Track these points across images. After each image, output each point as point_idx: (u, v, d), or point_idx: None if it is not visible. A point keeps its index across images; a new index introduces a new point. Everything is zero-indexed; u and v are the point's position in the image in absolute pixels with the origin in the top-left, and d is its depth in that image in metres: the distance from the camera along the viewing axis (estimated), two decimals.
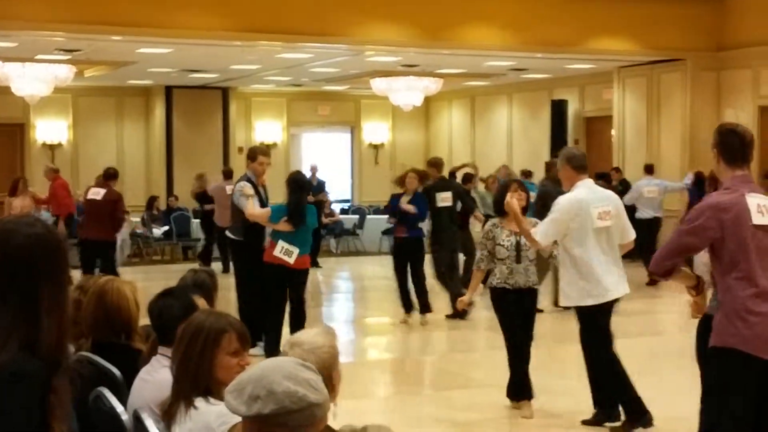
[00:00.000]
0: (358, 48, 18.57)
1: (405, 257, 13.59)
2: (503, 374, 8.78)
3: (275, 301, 10.95)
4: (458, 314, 13.14)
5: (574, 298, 7.97)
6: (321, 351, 3.57)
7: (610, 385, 7.94)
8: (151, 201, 23.54)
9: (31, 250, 2.68)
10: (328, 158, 26.51)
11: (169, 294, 4.71)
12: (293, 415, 2.75)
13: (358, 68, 21.93)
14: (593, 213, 7.73)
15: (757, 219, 4.99)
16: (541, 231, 7.95)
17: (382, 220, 19.82)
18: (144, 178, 25.85)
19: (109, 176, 15.57)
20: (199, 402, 3.78)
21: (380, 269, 18.26)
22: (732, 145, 5.18)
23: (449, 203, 13.73)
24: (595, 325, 7.90)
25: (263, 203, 11.36)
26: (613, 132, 21.99)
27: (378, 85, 23.05)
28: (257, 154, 11.84)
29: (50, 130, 25.46)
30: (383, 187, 25.41)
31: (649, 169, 18.46)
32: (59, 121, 25.49)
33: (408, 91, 22.85)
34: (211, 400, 3.80)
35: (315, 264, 18.69)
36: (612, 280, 7.82)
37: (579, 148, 9.43)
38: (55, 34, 16.57)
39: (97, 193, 15.13)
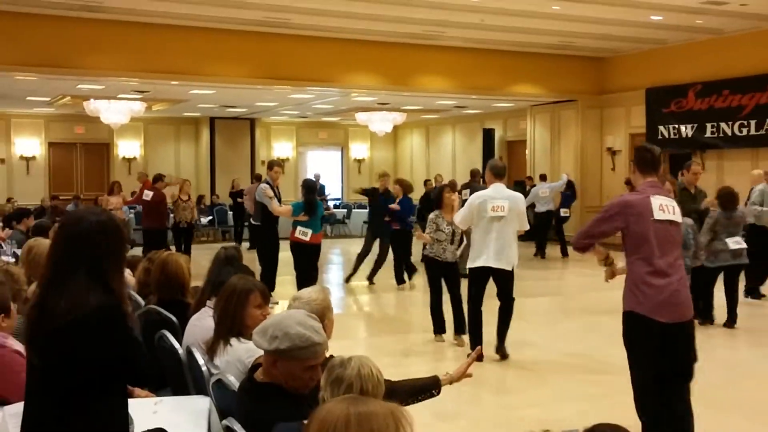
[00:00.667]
0: (346, 90, 18.49)
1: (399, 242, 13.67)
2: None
3: (298, 267, 10.91)
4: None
5: (467, 263, 8.26)
6: (315, 303, 3.57)
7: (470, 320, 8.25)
8: (200, 199, 23.42)
9: (95, 232, 2.67)
10: (325, 169, 26.40)
11: (217, 262, 4.73)
12: (301, 351, 2.75)
13: (346, 105, 21.85)
14: (488, 206, 7.87)
15: (659, 215, 4.87)
16: (458, 217, 8.35)
17: (364, 214, 19.88)
18: (194, 182, 25.62)
19: (155, 180, 15.51)
20: (233, 341, 3.76)
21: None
22: (645, 159, 5.07)
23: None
24: (473, 282, 8.14)
25: (278, 200, 11.33)
26: (527, 152, 22.01)
27: (360, 117, 23.02)
28: (273, 165, 12.01)
29: (128, 148, 25.31)
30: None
31: (543, 177, 18.52)
32: (134, 142, 25.32)
33: (382, 122, 22.83)
34: (242, 339, 3.78)
35: None
36: (486, 255, 7.94)
37: (501, 161, 9.35)
38: (131, 80, 16.45)
39: (148, 195, 15.08)
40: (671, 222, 4.95)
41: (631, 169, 5.41)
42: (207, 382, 3.56)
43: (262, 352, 3.64)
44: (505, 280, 8.02)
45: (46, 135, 24.46)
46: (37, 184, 23.96)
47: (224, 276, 4.42)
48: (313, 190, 11.17)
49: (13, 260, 8.34)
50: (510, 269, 7.98)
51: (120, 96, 19.06)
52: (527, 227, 8.37)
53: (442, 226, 8.65)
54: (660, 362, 4.82)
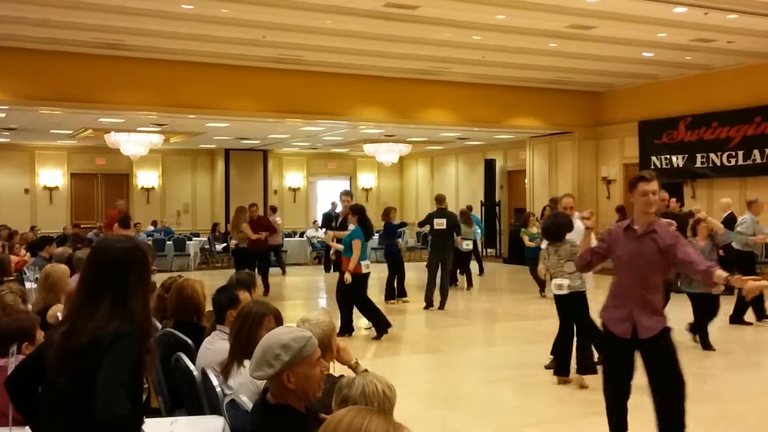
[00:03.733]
0: (354, 123, 18.57)
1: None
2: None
3: (362, 298, 10.39)
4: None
5: None
6: (323, 324, 3.57)
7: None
8: (215, 226, 23.51)
9: (122, 260, 2.69)
10: (335, 198, 26.43)
11: (221, 290, 4.68)
12: (304, 349, 2.74)
13: (354, 137, 21.94)
14: None
15: None
16: None
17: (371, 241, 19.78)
18: (209, 210, 25.76)
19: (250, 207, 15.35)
20: (247, 362, 3.74)
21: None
22: None
23: (443, 227, 13.25)
24: None
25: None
26: (526, 181, 22.03)
27: (368, 148, 23.09)
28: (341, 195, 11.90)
29: (146, 178, 25.39)
30: (372, 216, 25.39)
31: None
32: (153, 172, 25.40)
33: (388, 153, 22.92)
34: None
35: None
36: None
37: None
38: (150, 114, 16.54)
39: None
40: None
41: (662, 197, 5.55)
42: (221, 402, 3.55)
43: None
44: None
45: (68, 166, 24.59)
46: (59, 213, 24.05)
47: (221, 301, 4.45)
48: (363, 212, 10.67)
49: (34, 286, 8.36)
50: None
51: (139, 129, 19.17)
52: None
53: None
54: None
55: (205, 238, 22.72)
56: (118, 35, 13.57)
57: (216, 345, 4.25)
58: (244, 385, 3.58)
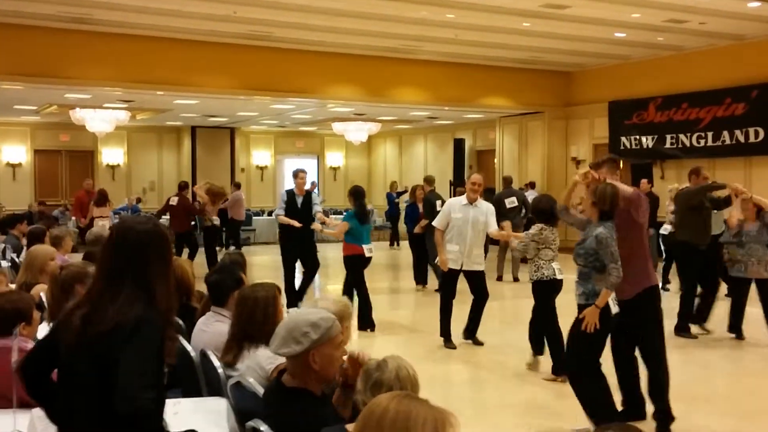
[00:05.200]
0: (325, 101, 18.46)
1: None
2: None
3: (358, 281, 9.92)
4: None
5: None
6: (340, 303, 3.54)
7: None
8: None
9: (143, 242, 2.63)
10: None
11: (223, 271, 4.60)
12: (331, 330, 2.73)
13: (323, 115, 21.82)
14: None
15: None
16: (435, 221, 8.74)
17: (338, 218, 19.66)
18: (175, 188, 25.37)
19: (181, 188, 15.37)
20: (256, 347, 3.71)
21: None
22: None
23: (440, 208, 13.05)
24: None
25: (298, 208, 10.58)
26: (495, 161, 22.11)
27: (337, 126, 22.96)
28: (298, 172, 10.97)
29: (112, 156, 25.01)
30: (340, 196, 25.43)
31: (531, 185, 18.77)
32: (118, 149, 25.04)
33: (357, 132, 22.80)
34: (262, 346, 3.72)
35: None
36: (452, 256, 8.37)
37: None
38: (118, 90, 16.27)
39: (174, 201, 15.06)
40: None
41: (615, 178, 5.69)
42: (223, 385, 3.52)
43: (282, 360, 3.61)
44: None
45: (32, 142, 24.14)
46: (23, 190, 23.60)
47: (226, 283, 4.37)
48: (361, 195, 10.16)
49: (8, 265, 8.21)
50: None
51: (105, 105, 18.85)
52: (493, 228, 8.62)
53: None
54: None
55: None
56: (86, 9, 13.31)
57: (212, 327, 4.20)
58: (250, 369, 3.55)
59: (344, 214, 10.68)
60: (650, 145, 18.12)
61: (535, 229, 7.30)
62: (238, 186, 19.55)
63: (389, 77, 18.00)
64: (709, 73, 16.75)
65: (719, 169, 16.38)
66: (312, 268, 10.96)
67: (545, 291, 7.28)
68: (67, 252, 7.41)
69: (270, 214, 23.78)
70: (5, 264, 7.66)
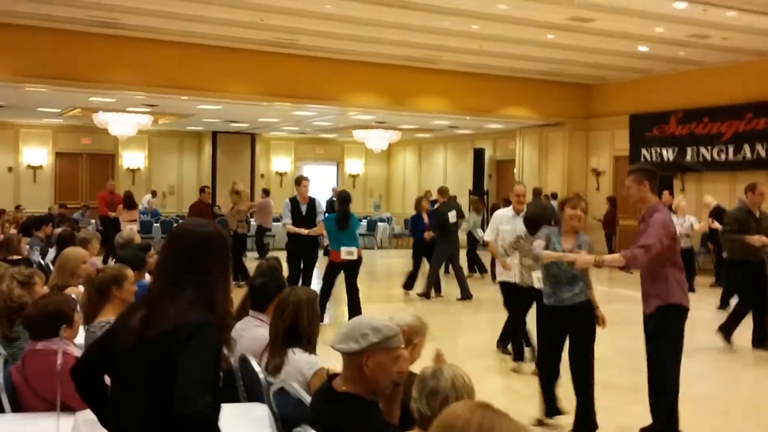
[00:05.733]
0: (347, 109, 18.51)
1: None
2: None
3: (328, 282, 10.09)
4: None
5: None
6: (416, 318, 3.51)
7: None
8: None
9: (203, 244, 2.63)
10: (321, 183, 26.38)
11: (266, 275, 4.59)
12: (391, 340, 2.74)
13: (344, 123, 21.86)
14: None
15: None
16: (487, 234, 8.63)
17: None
18: (195, 193, 25.42)
19: (201, 191, 15.35)
20: (296, 350, 3.71)
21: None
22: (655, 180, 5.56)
23: (455, 219, 13.01)
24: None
25: (306, 216, 10.56)
26: (515, 170, 22.08)
27: (358, 134, 23.00)
28: (301, 180, 10.96)
29: (132, 159, 25.15)
30: (358, 203, 25.50)
31: (554, 196, 18.62)
32: (139, 153, 25.17)
33: (378, 139, 22.82)
34: (297, 351, 3.72)
35: None
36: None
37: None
38: (142, 94, 16.37)
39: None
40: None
41: (642, 189, 5.46)
42: (264, 391, 3.52)
43: (323, 365, 3.62)
44: None
45: (53, 145, 24.30)
46: (43, 193, 23.78)
47: (270, 288, 4.36)
48: (346, 201, 10.27)
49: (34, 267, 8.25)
50: None
51: (129, 109, 18.97)
52: None
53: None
54: None
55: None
56: (115, 13, 13.41)
57: (251, 332, 4.21)
58: (290, 375, 3.55)
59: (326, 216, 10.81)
60: (671, 158, 18.07)
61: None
62: (267, 192, 19.59)
63: (411, 86, 18.03)
64: (731, 88, 16.69)
65: (740, 182, 16.25)
66: (309, 271, 10.87)
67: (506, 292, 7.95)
68: (93, 254, 7.46)
69: None
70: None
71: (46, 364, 3.40)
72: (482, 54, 16.34)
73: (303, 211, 10.63)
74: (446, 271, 14.87)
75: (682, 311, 5.42)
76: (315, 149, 27.80)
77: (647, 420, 5.48)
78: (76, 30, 14.45)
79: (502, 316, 8.48)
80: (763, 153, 16.26)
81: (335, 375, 2.85)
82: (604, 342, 6.01)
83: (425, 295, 12.90)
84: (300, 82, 16.83)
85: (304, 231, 10.45)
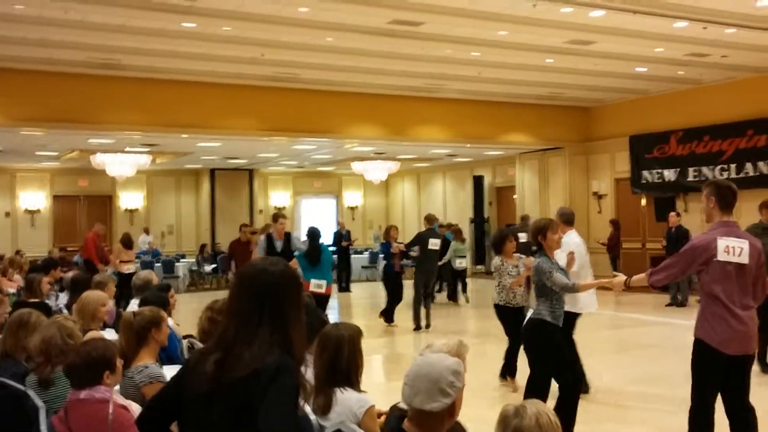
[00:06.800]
0: (347, 141, 18.46)
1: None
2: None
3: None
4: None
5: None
6: (453, 341, 3.39)
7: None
8: (202, 247, 23.20)
9: (276, 284, 2.53)
10: (321, 216, 26.28)
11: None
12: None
13: (343, 155, 21.81)
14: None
15: (722, 257, 4.86)
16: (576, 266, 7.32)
17: (361, 259, 19.62)
18: (194, 231, 25.46)
19: (240, 229, 14.68)
20: (345, 390, 3.59)
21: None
22: (727, 198, 5.00)
23: (437, 247, 13.19)
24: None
25: (283, 252, 10.79)
26: (515, 197, 22.03)
27: (356, 166, 22.95)
28: (278, 217, 11.34)
29: (130, 200, 25.06)
30: (358, 234, 25.42)
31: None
32: (137, 193, 25.09)
33: (377, 171, 22.78)
34: (346, 389, 3.61)
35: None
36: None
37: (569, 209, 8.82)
38: (142, 134, 16.30)
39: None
40: (737, 264, 4.86)
41: (709, 204, 5.08)
42: None
43: (372, 402, 3.49)
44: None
45: (51, 188, 24.20)
46: (41, 236, 23.65)
47: (311, 326, 4.24)
48: (316, 237, 10.84)
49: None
50: None
51: (127, 149, 18.88)
52: None
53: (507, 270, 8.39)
54: (720, 388, 4.91)
55: (193, 260, 22.40)
56: (115, 54, 13.36)
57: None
58: (343, 414, 3.44)
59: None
60: (672, 179, 18.03)
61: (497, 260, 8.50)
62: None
63: (410, 116, 18.02)
64: (730, 106, 16.72)
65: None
66: None
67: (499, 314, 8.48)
68: (111, 298, 7.33)
69: None
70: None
71: (92, 413, 3.27)
72: (481, 81, 16.33)
73: (278, 248, 10.98)
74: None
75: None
76: (313, 183, 27.75)
77: None
78: (74, 72, 14.39)
79: (494, 345, 8.47)
80: (765, 170, 16.23)
81: (402, 416, 2.70)
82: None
83: (424, 326, 12.89)
84: (300, 115, 16.79)
85: None
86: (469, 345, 3.53)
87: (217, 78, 15.37)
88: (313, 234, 10.93)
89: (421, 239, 13.15)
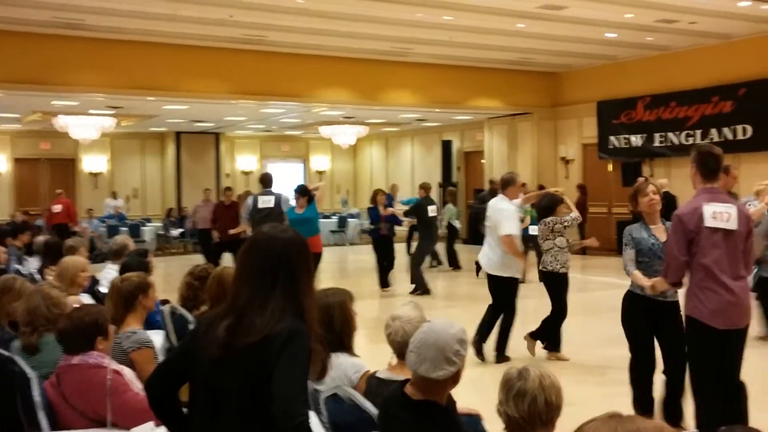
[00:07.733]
0: (317, 105, 18.35)
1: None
2: None
3: None
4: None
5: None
6: (415, 321, 3.41)
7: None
8: (169, 211, 23.00)
9: (288, 250, 2.53)
10: (287, 181, 26.14)
11: None
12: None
13: (312, 119, 21.67)
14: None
15: (710, 223, 4.60)
16: None
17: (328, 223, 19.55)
18: (160, 195, 25.21)
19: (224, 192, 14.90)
20: (339, 355, 3.61)
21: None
22: (708, 165, 4.75)
23: (435, 213, 13.21)
24: None
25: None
26: (483, 161, 22.12)
27: (325, 130, 22.83)
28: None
29: (93, 163, 24.67)
30: (326, 199, 25.30)
31: (540, 188, 18.52)
32: (100, 157, 24.70)
33: (346, 135, 22.69)
34: (342, 354, 3.62)
35: None
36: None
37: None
38: (108, 96, 16.02)
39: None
40: (725, 230, 4.62)
41: (692, 171, 4.82)
42: (311, 398, 3.41)
43: (367, 368, 3.52)
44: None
45: (12, 151, 23.75)
46: (2, 200, 23.24)
47: None
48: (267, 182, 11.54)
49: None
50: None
51: (91, 112, 18.57)
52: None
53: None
54: (714, 364, 4.67)
55: (159, 224, 22.21)
56: (79, 14, 13.08)
57: None
58: (338, 379, 3.46)
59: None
60: (639, 144, 18.22)
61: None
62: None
63: (380, 80, 17.94)
64: (697, 72, 16.88)
65: None
66: None
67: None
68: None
69: None
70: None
71: (86, 379, 3.26)
72: (452, 45, 16.29)
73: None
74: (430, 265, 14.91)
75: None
76: (280, 147, 27.56)
77: None
78: (38, 32, 14.08)
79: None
80: (730, 136, 16.48)
81: (405, 381, 2.73)
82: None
83: (425, 291, 12.61)
84: (269, 79, 16.63)
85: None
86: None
87: (184, 39, 15.14)
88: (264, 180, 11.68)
89: (420, 207, 13.17)
